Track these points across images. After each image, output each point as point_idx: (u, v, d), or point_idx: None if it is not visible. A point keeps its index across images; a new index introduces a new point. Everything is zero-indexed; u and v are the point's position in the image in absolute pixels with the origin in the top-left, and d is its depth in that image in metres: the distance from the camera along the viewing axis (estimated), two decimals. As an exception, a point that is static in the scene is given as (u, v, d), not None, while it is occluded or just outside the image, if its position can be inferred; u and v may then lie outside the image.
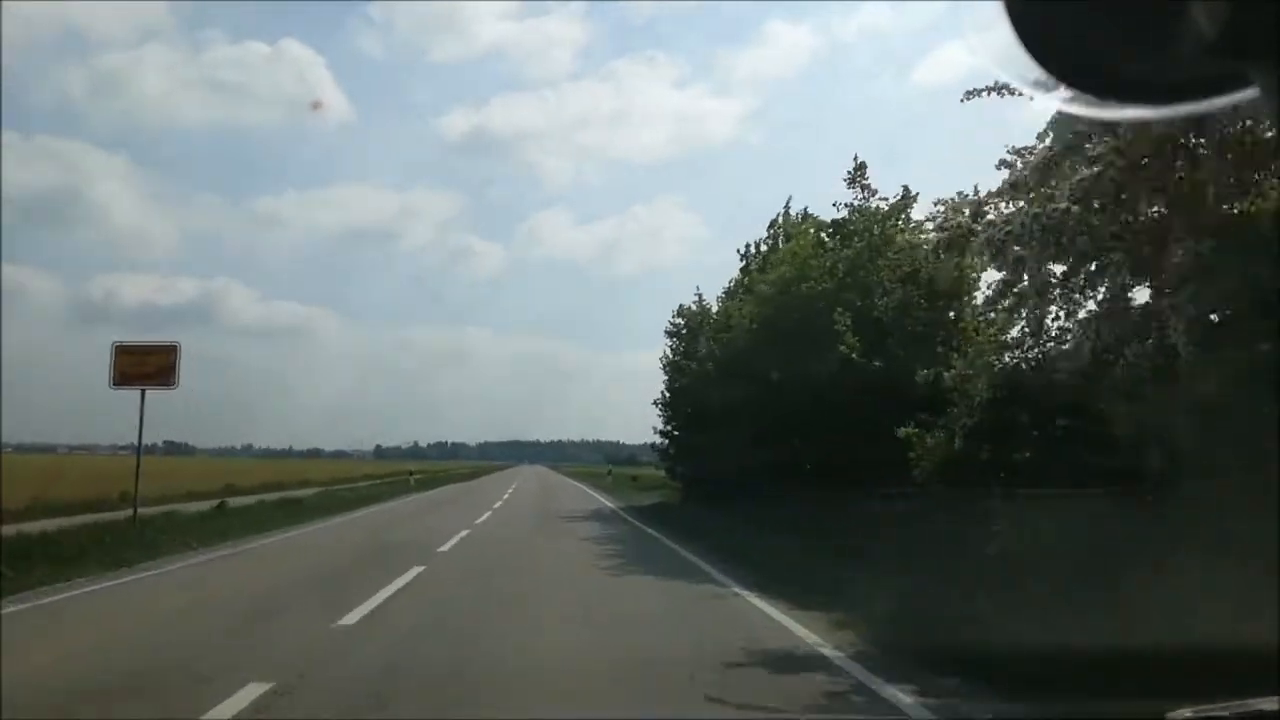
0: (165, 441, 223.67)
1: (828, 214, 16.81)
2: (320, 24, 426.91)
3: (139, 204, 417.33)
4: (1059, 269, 7.30)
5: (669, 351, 27.88)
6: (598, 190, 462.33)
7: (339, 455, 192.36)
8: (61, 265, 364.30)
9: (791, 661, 6.58)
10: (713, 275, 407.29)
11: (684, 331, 26.99)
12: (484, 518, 22.46)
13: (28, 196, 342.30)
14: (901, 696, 5.54)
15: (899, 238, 12.69)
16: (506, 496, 34.94)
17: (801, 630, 7.69)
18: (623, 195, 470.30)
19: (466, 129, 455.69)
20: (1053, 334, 8.02)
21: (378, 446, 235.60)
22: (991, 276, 8.64)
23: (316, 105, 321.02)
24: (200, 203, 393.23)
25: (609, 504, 30.76)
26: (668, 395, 28.20)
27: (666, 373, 28.16)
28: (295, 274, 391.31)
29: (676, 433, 28.44)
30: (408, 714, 5.22)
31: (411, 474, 42.85)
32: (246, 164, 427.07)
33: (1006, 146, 7.83)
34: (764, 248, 22.11)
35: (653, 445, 29.78)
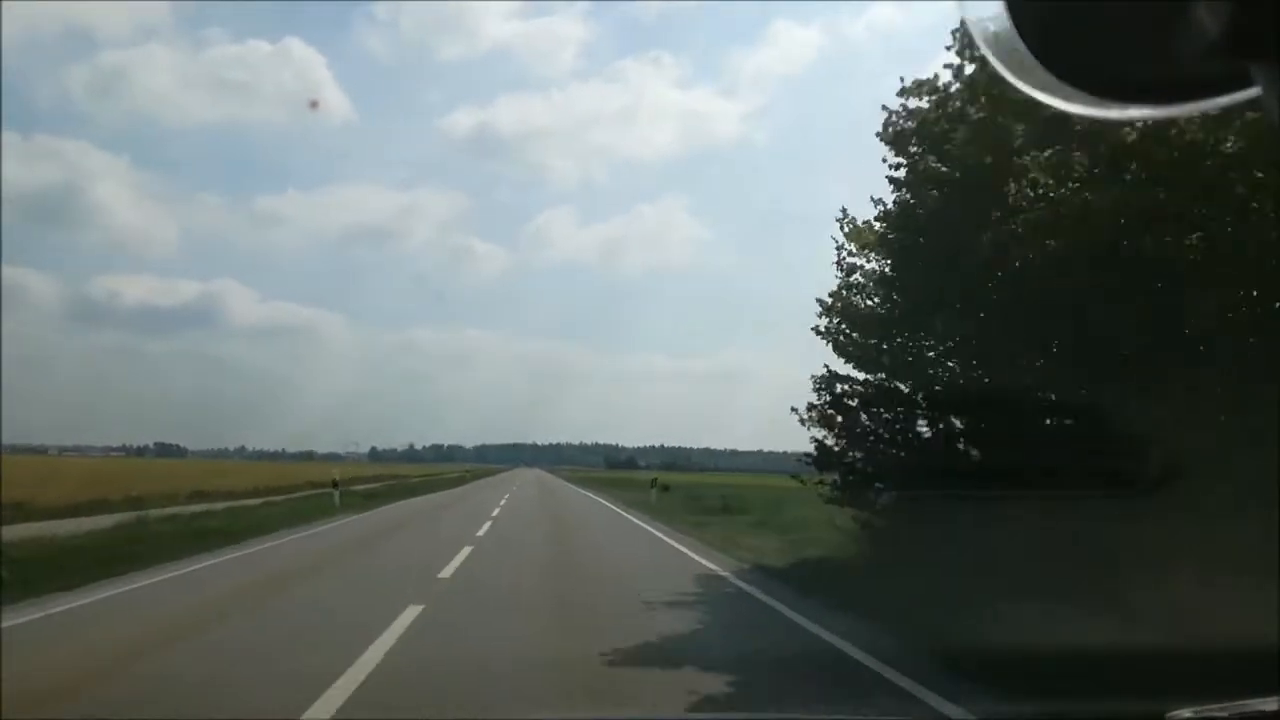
0: (156, 443, 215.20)
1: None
2: (323, 23, 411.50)
3: (140, 204, 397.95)
4: None
5: (890, 186, 11.20)
6: (602, 191, 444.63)
7: (333, 458, 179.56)
8: (62, 266, 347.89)
9: None
10: (716, 277, 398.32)
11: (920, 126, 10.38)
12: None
13: (27, 197, 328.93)
14: None
15: None
16: (481, 534, 18.57)
17: None
18: (627, 196, 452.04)
19: (471, 128, 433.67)
20: None
21: (373, 449, 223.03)
22: None
23: (314, 105, 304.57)
24: (202, 203, 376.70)
25: (713, 565, 14.08)
26: (871, 308, 11.76)
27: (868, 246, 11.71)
28: (297, 275, 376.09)
29: (850, 390, 12.29)
30: None
31: (336, 484, 26.10)
32: (248, 164, 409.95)
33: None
34: None
35: (813, 441, 12.89)
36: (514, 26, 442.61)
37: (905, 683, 6.27)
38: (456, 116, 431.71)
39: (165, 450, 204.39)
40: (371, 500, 29.00)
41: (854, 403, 12.69)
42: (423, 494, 37.46)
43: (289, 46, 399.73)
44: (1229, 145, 6.94)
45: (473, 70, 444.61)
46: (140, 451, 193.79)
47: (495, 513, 25.07)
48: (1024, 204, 8.21)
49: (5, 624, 7.93)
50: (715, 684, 6.22)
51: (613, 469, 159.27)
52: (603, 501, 35.19)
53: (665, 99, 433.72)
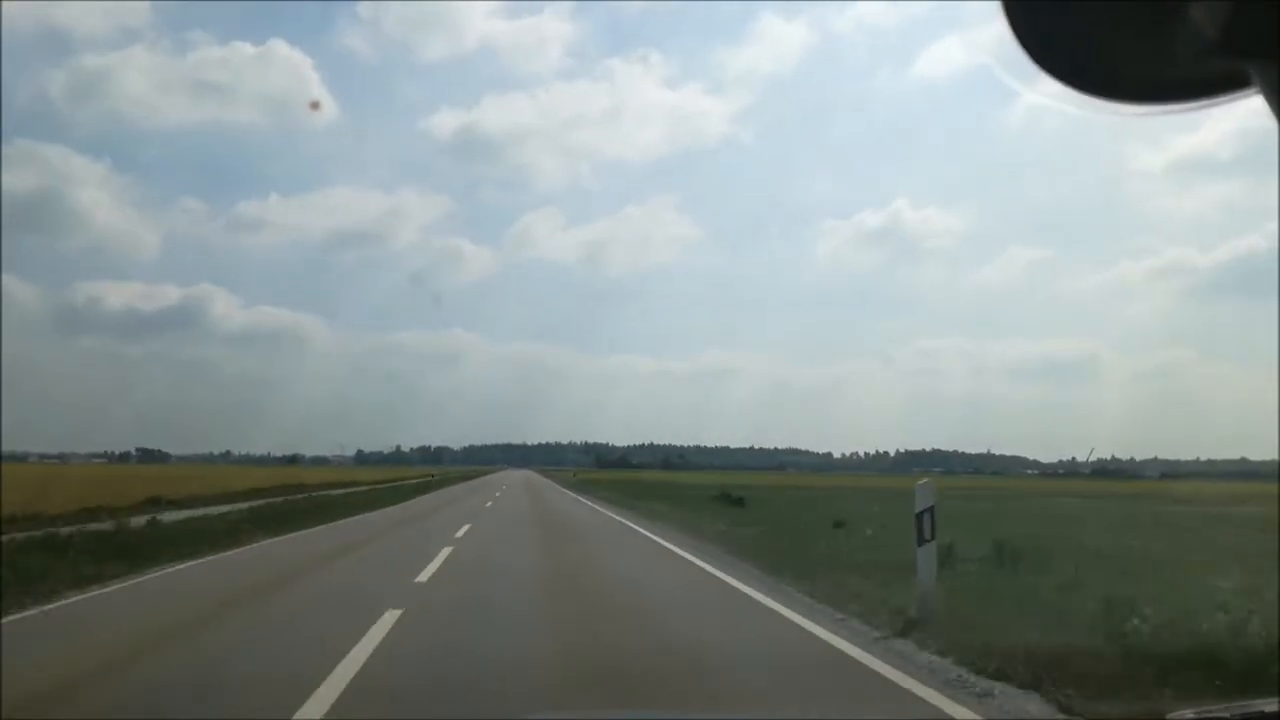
0: (139, 449, 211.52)
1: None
2: (308, 23, 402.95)
3: (121, 209, 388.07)
4: None
5: None
6: (589, 191, 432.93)
7: (319, 461, 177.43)
8: (42, 272, 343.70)
9: None
10: (705, 275, 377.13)
11: None
12: None
13: (6, 203, 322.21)
14: None
15: None
16: None
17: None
18: (615, 195, 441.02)
19: (456, 129, 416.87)
20: None
21: (359, 451, 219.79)
22: None
23: (315, 105, 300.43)
24: (183, 207, 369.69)
25: None
26: None
27: None
28: (281, 279, 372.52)
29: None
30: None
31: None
32: (231, 168, 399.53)
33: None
34: None
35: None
36: (499, 25, 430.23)
37: None
38: (441, 117, 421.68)
39: (148, 456, 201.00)
40: (140, 560, 12.46)
41: None
42: (326, 520, 22.34)
43: (274, 48, 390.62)
44: None
45: (457, 70, 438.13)
46: (123, 458, 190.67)
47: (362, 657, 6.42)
48: None
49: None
50: None
51: (604, 468, 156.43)
52: (706, 567, 12.54)
53: (653, 98, 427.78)
